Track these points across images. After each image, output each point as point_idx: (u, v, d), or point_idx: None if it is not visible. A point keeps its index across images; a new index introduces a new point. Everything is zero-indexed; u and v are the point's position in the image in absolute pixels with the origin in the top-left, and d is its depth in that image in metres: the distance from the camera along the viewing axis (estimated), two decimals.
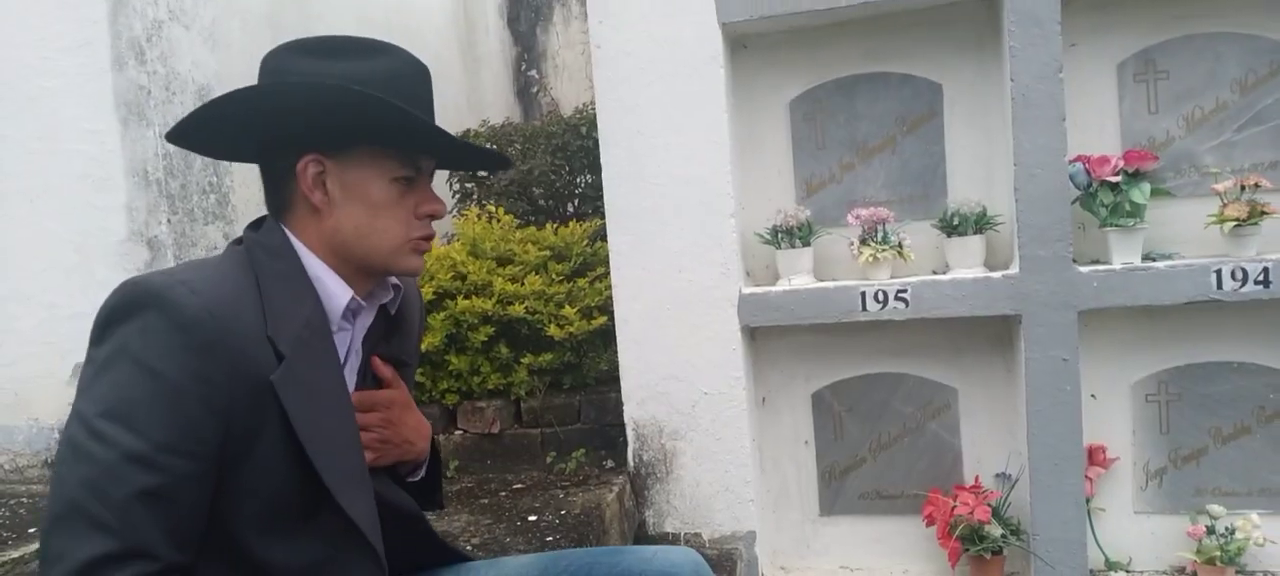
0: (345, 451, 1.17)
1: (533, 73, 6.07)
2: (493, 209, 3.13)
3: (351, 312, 1.26)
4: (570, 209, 4.04)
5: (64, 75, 2.90)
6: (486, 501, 2.50)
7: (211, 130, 1.19)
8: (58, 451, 1.04)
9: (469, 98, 5.83)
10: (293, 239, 1.20)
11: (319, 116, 1.14)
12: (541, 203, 4.02)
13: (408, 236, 1.21)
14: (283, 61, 1.15)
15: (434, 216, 1.24)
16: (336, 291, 1.20)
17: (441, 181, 4.20)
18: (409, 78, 1.18)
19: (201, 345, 1.03)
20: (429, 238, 1.25)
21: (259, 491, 1.11)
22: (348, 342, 1.28)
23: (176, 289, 1.04)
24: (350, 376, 1.31)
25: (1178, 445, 2.47)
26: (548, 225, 3.06)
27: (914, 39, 2.55)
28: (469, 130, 4.16)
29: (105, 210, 2.91)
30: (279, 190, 1.21)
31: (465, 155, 1.30)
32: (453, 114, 5.45)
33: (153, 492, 0.98)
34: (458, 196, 4.14)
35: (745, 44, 2.66)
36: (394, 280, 1.34)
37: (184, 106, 3.02)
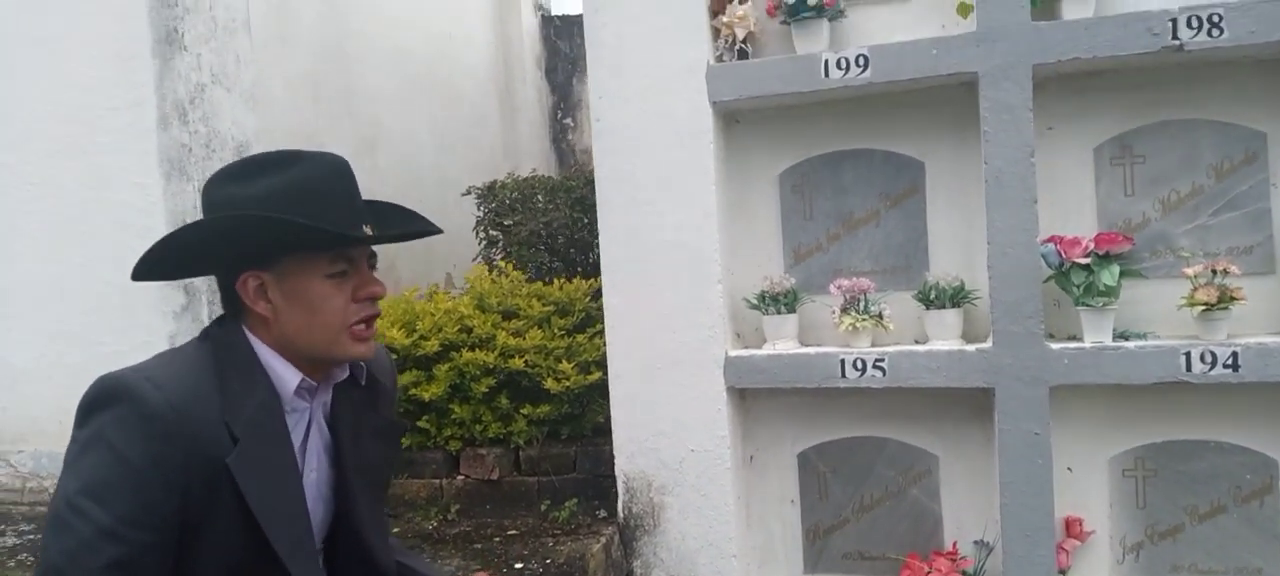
0: (295, 522, 1.31)
1: (568, 121, 6.30)
2: (502, 264, 3.29)
3: (307, 391, 1.41)
4: (591, 259, 4.20)
5: (115, 132, 3.17)
6: (480, 546, 2.64)
7: (164, 266, 1.34)
8: (46, 520, 1.22)
9: (505, 145, 6.07)
10: (248, 335, 1.35)
11: (234, 243, 1.28)
12: (567, 252, 4.18)
13: (346, 323, 1.35)
14: (211, 192, 1.31)
15: (373, 298, 1.39)
16: (286, 376, 1.35)
17: (468, 230, 4.40)
18: (323, 178, 1.31)
19: (162, 434, 1.20)
20: (370, 319, 1.39)
21: (217, 557, 1.27)
22: (307, 419, 1.43)
23: (143, 385, 1.21)
24: (317, 449, 1.46)
25: (1155, 521, 2.51)
26: (555, 281, 3.22)
27: (898, 119, 2.66)
28: (495, 181, 4.35)
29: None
30: (231, 302, 1.36)
31: (388, 234, 1.41)
32: (489, 159, 5.69)
33: (119, 561, 1.16)
34: (483, 243, 4.33)
35: (738, 119, 2.80)
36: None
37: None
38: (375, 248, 1.46)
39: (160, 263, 1.31)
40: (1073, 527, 2.53)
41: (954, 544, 2.63)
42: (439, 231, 1.50)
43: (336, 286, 1.34)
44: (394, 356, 2.89)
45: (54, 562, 1.17)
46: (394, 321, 2.91)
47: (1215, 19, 2.25)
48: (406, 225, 1.48)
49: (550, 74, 6.37)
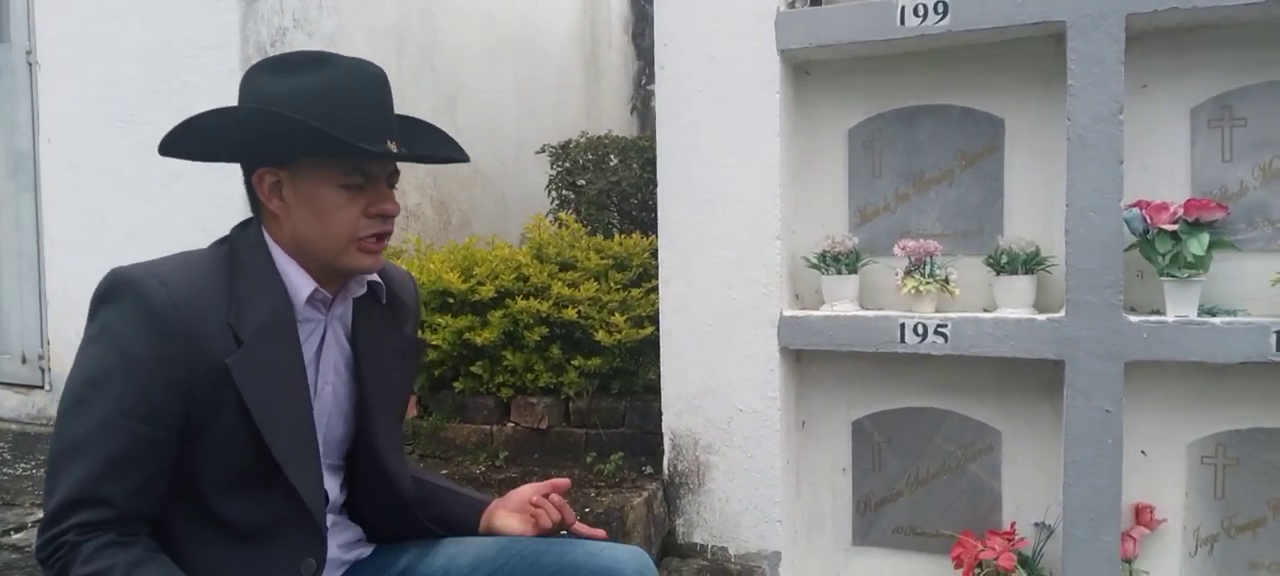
0: (297, 429, 1.31)
1: (652, 88, 6.23)
2: (562, 216, 3.28)
3: (322, 303, 1.40)
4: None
5: (201, 71, 3.27)
6: None
7: (188, 147, 1.34)
8: (58, 411, 1.25)
9: (589, 109, 6.05)
10: (266, 237, 1.36)
11: (254, 136, 1.28)
12: (638, 215, 4.14)
13: (354, 235, 1.33)
14: (246, 81, 1.32)
15: (385, 216, 1.37)
16: (300, 283, 1.35)
17: (540, 189, 4.41)
18: (353, 87, 1.30)
19: (164, 330, 1.21)
20: (381, 235, 1.37)
21: (220, 459, 1.28)
22: (321, 331, 1.43)
23: (149, 280, 1.23)
24: (335, 364, 1.46)
25: (1233, 513, 2.33)
26: (616, 235, 3.19)
27: (978, 73, 2.52)
28: (569, 140, 4.34)
29: (227, 196, 3.24)
30: (251, 197, 1.37)
31: (408, 154, 1.38)
32: (572, 122, 5.67)
33: (122, 453, 1.19)
34: (555, 202, 4.33)
35: (809, 70, 2.70)
36: (372, 277, 1.49)
37: None
38: (401, 168, 1.45)
39: (184, 143, 1.32)
40: (1143, 515, 2.37)
41: (1012, 524, 2.49)
42: (466, 159, 1.47)
43: (350, 197, 1.33)
44: (450, 300, 2.91)
45: (59, 450, 1.21)
46: (453, 266, 2.93)
47: None
48: (434, 148, 1.46)
49: (637, 38, 6.32)
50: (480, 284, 2.83)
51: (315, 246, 1.33)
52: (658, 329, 2.76)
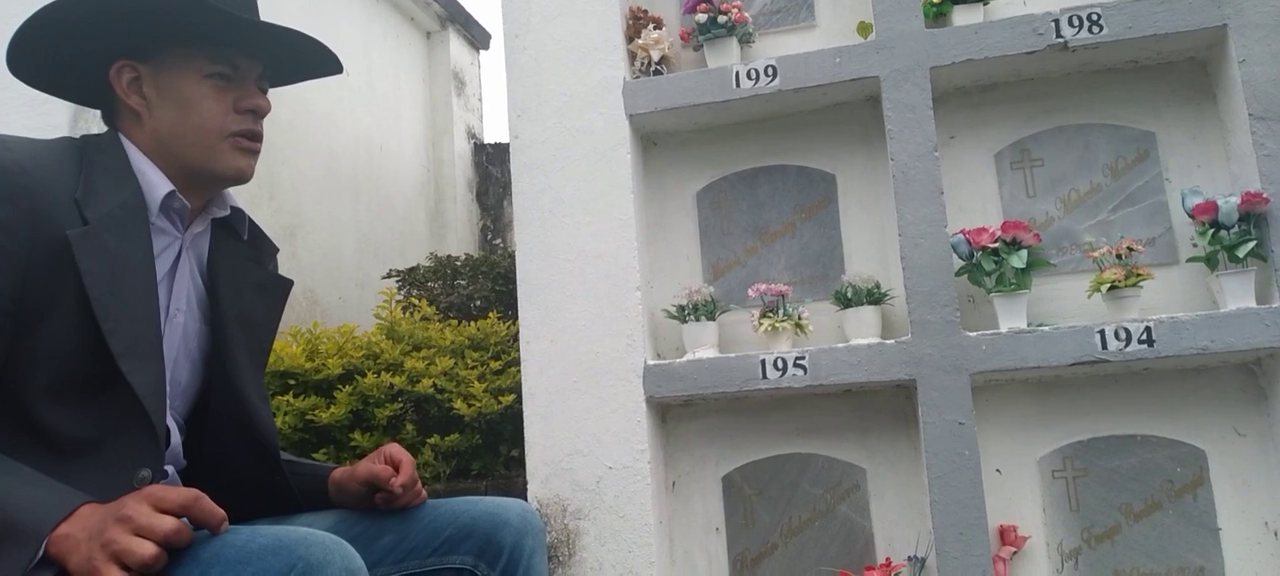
0: (139, 324, 1.19)
1: (497, 242, 6.32)
2: (415, 300, 3.19)
3: (179, 215, 1.31)
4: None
5: None
6: None
7: (39, 54, 1.25)
8: None
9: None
10: (122, 138, 1.27)
11: (116, 21, 1.22)
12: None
13: (226, 129, 1.27)
14: None
15: (257, 112, 1.31)
16: (156, 182, 1.26)
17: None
18: None
19: (4, 194, 1.09)
20: (253, 134, 1.31)
21: (52, 356, 1.13)
22: (176, 252, 1.32)
23: None
24: (186, 293, 1.34)
25: (1090, 523, 2.42)
26: (473, 322, 3.12)
27: (809, 135, 2.73)
28: (417, 265, 4.29)
29: None
30: (106, 101, 1.29)
31: (278, 45, 1.32)
32: None
33: None
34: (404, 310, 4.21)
35: (655, 141, 2.84)
36: (235, 203, 1.40)
37: None
38: (271, 96, 1.40)
39: (35, 48, 1.23)
40: (1007, 535, 2.42)
41: (887, 559, 2.48)
42: (339, 67, 1.44)
43: (216, 91, 1.28)
44: (292, 381, 2.73)
45: None
46: (297, 345, 2.76)
47: (1094, 17, 2.40)
48: (307, 52, 1.39)
49: (481, 197, 6.45)
50: (328, 358, 2.68)
51: (182, 143, 1.26)
52: (518, 400, 2.67)
